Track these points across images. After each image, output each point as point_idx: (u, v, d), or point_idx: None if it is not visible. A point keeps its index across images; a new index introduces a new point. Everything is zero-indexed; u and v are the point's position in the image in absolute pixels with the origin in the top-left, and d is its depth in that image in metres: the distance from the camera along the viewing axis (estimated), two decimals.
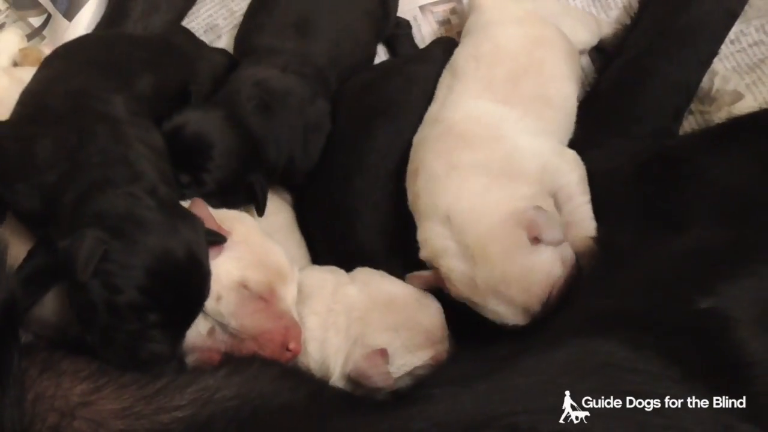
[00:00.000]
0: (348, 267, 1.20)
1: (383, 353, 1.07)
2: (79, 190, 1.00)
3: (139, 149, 1.07)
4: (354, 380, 1.07)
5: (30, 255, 1.06)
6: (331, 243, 1.26)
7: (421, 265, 1.14)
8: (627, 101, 1.28)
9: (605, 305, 0.99)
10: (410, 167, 1.18)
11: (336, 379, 1.08)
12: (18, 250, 1.06)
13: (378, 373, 1.05)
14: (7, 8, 1.53)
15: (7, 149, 1.06)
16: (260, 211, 1.21)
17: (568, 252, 1.10)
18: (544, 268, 1.06)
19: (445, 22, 1.52)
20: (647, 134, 1.25)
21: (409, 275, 1.16)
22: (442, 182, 1.11)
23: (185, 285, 0.98)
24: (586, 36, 1.35)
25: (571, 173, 1.14)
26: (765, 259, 0.92)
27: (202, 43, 1.43)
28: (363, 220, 1.22)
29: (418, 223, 1.14)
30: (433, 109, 1.21)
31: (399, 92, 1.29)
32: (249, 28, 1.41)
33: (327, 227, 1.26)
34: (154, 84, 1.19)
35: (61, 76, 1.14)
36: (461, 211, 1.08)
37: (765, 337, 0.85)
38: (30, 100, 1.13)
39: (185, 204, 1.10)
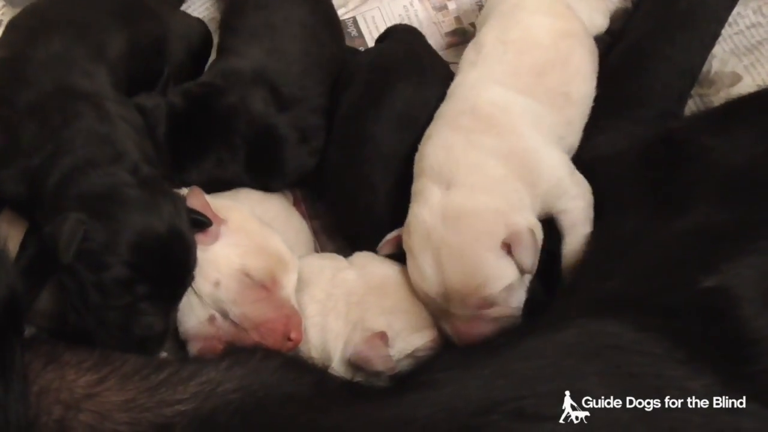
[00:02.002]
0: (366, 242, 1.19)
1: (383, 336, 1.07)
2: (61, 172, 1.01)
3: (122, 128, 1.08)
4: (354, 364, 1.07)
5: (23, 246, 1.07)
6: (350, 216, 1.25)
7: None
8: (631, 86, 1.27)
9: (610, 287, 0.98)
10: (426, 133, 1.16)
11: (336, 364, 1.08)
12: (18, 241, 1.06)
13: (378, 356, 1.05)
14: (3, 6, 1.52)
15: None
16: None
17: (518, 296, 1.07)
18: (490, 273, 1.04)
19: (441, 8, 1.52)
20: (652, 118, 1.24)
21: (380, 245, 1.16)
22: (456, 153, 1.09)
23: (169, 255, 1.00)
24: (601, 20, 1.33)
25: (579, 199, 1.13)
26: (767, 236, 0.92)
27: (175, 5, 1.42)
28: (382, 189, 1.20)
29: (415, 179, 1.12)
30: (454, 83, 1.20)
31: (409, 60, 1.29)
32: (222, 27, 1.39)
33: (346, 199, 1.25)
34: (127, 40, 1.18)
35: (35, 39, 1.13)
36: (466, 183, 1.06)
37: None
38: (4, 69, 1.11)
39: (183, 191, 1.11)
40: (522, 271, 1.05)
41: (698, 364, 0.83)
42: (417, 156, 1.15)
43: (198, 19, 1.42)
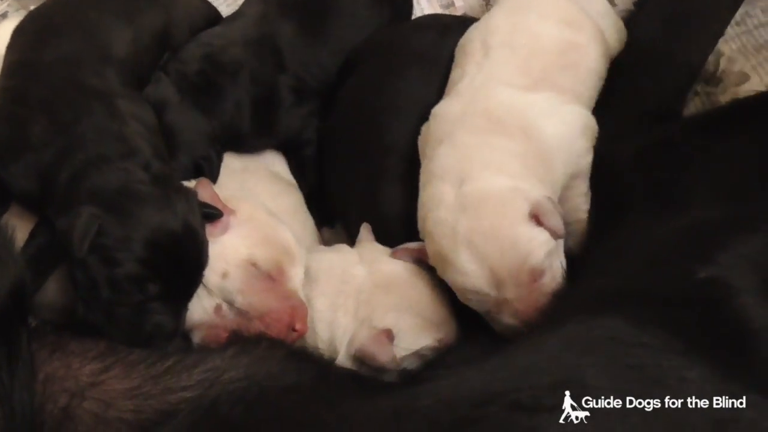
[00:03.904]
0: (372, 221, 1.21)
1: (388, 334, 1.08)
2: (73, 168, 1.01)
3: (132, 125, 1.08)
4: (359, 359, 1.08)
5: (32, 235, 1.07)
6: (354, 193, 1.26)
7: None
8: (630, 83, 1.28)
9: (608, 283, 0.99)
10: (432, 136, 1.16)
11: (341, 358, 1.09)
12: (26, 233, 1.07)
13: (383, 354, 1.06)
14: None
15: (1, 131, 1.06)
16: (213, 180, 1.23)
17: (559, 259, 1.08)
18: (529, 244, 1.04)
19: (449, 5, 1.52)
20: (652, 114, 1.25)
21: (395, 249, 1.17)
22: (470, 152, 1.09)
23: (182, 254, 1.00)
24: (617, 45, 1.31)
25: (587, 155, 1.16)
26: (763, 229, 0.92)
27: None
28: (389, 173, 1.22)
29: (422, 188, 1.12)
30: (461, 84, 1.19)
31: (432, 45, 1.31)
32: None
33: (350, 180, 1.27)
34: (133, 39, 1.19)
35: (44, 44, 1.14)
36: (481, 175, 1.07)
37: (767, 303, 0.85)
38: (16, 71, 1.12)
39: (191, 184, 1.12)
40: (554, 236, 1.06)
41: (696, 355, 0.82)
42: (425, 163, 1.15)
43: (202, 1, 1.42)
